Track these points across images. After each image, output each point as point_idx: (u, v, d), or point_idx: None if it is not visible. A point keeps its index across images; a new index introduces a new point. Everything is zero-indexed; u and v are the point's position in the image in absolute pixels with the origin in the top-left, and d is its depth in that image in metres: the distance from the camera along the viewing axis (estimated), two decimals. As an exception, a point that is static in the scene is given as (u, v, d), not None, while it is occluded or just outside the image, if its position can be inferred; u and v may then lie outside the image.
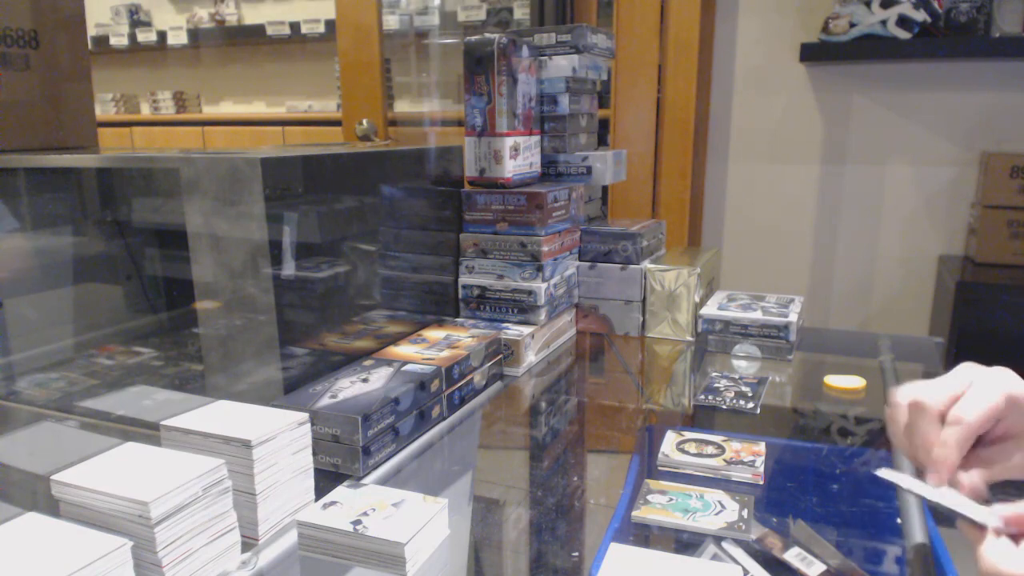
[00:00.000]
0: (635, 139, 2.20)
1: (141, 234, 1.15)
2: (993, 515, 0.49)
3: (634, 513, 0.70)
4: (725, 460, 0.80)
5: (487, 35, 1.11)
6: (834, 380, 1.05)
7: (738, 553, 0.64)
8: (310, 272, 0.91)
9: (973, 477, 0.52)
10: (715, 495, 0.73)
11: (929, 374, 1.19)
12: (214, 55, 3.91)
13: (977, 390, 0.53)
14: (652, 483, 0.76)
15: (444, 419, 0.92)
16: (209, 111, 4.03)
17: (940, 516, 0.70)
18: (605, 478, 0.85)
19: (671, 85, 2.14)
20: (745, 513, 0.69)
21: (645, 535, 0.69)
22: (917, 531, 0.65)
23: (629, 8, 2.14)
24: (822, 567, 0.62)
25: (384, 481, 0.78)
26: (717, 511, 0.70)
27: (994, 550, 0.46)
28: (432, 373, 0.89)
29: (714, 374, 1.08)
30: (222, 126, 3.71)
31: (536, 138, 1.25)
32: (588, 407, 1.05)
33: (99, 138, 1.30)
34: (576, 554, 0.67)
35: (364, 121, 2.37)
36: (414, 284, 1.13)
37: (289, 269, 0.86)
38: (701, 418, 0.97)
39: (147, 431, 0.76)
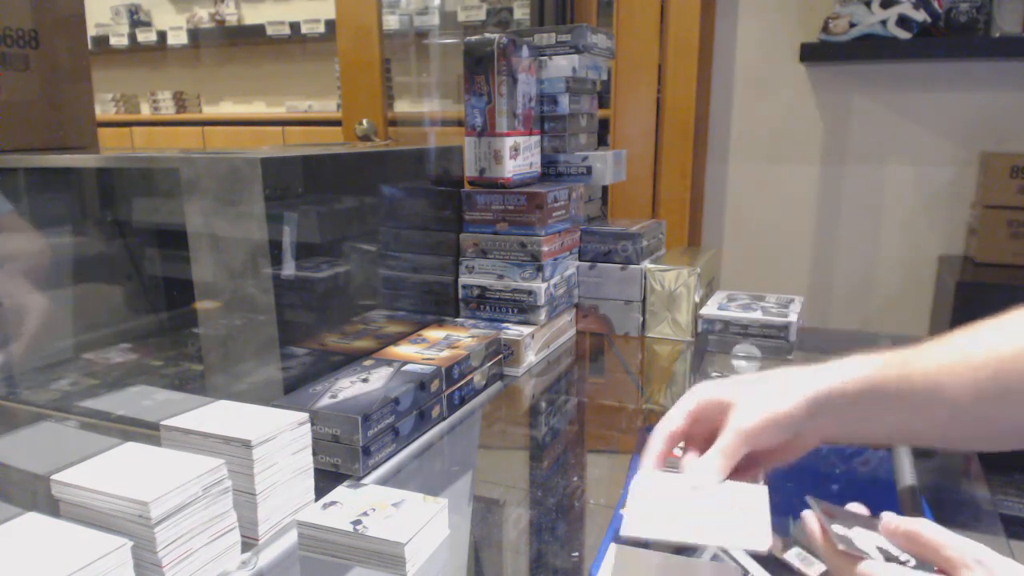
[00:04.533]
0: (635, 139, 2.20)
1: (141, 234, 1.15)
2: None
3: (621, 510, 0.70)
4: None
5: (487, 35, 1.11)
6: (834, 380, 1.05)
7: (738, 553, 0.64)
8: (310, 272, 0.91)
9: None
10: None
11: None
12: (214, 55, 3.91)
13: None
14: None
15: (444, 419, 0.92)
16: (209, 111, 4.03)
17: (940, 516, 0.70)
18: (605, 478, 0.85)
19: (671, 85, 2.14)
20: None
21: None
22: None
23: (629, 8, 2.14)
24: (822, 567, 0.62)
25: (384, 481, 0.78)
26: None
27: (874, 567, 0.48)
28: (432, 373, 0.89)
29: (714, 374, 1.08)
30: (222, 126, 3.71)
31: (536, 138, 1.25)
32: (588, 407, 1.05)
33: (99, 138, 1.30)
34: (576, 554, 0.67)
35: (364, 121, 2.37)
36: (414, 284, 1.13)
37: (289, 269, 0.86)
38: (701, 418, 0.97)
39: (147, 431, 0.76)
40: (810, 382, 0.59)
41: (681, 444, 0.64)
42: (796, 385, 0.59)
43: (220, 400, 0.71)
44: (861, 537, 0.54)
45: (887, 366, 0.58)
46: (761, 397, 0.59)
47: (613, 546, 0.60)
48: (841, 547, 0.52)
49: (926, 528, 0.50)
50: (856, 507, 0.59)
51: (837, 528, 0.55)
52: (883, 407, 0.58)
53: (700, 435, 0.62)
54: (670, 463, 0.66)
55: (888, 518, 0.53)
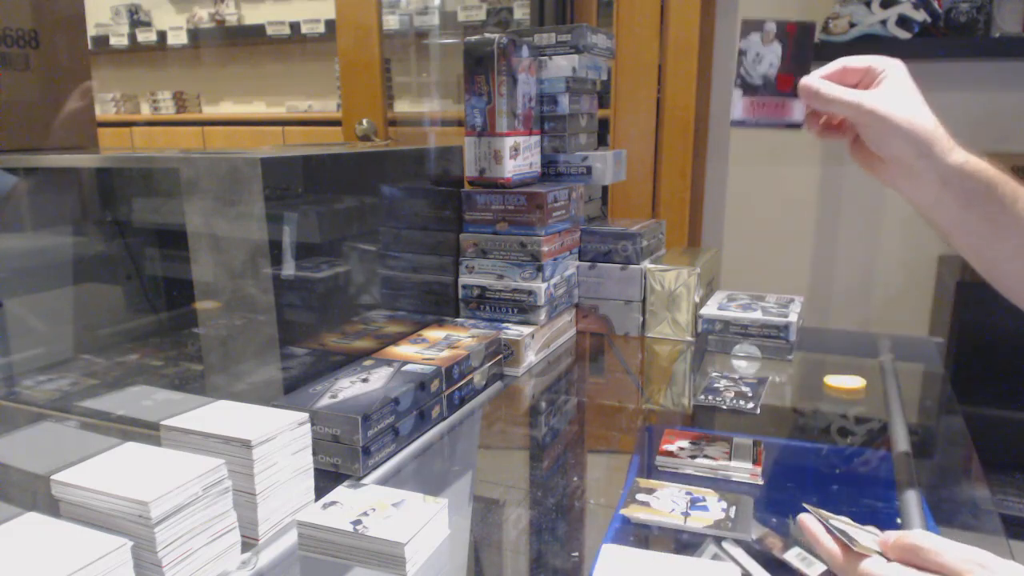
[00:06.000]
0: (635, 139, 2.20)
1: (141, 234, 1.15)
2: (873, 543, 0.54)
3: (623, 511, 0.70)
4: (725, 460, 0.80)
5: (487, 35, 1.11)
6: (834, 380, 1.05)
7: (738, 553, 0.64)
8: (310, 272, 0.91)
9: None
10: (704, 493, 0.73)
11: (929, 374, 1.19)
12: (214, 55, 3.91)
13: None
14: (642, 481, 0.76)
15: (444, 419, 0.92)
16: (209, 111, 4.03)
17: (940, 516, 0.70)
18: (605, 478, 0.85)
19: (671, 85, 2.14)
20: (734, 511, 0.69)
21: (645, 535, 0.69)
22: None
23: (629, 8, 2.14)
24: (822, 567, 0.62)
25: (384, 481, 0.78)
26: (706, 509, 0.70)
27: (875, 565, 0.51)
28: (432, 373, 0.89)
29: (714, 374, 1.08)
30: (222, 126, 3.72)
31: (536, 138, 1.25)
32: (588, 407, 1.05)
33: (99, 138, 1.30)
34: (576, 554, 0.67)
35: (364, 121, 2.37)
36: (414, 284, 1.13)
37: (289, 269, 0.86)
38: (701, 418, 0.97)
39: (147, 431, 0.76)
40: (945, 133, 0.69)
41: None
42: (935, 122, 0.69)
43: (220, 400, 0.71)
44: (861, 536, 0.54)
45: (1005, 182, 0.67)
46: (906, 96, 0.69)
47: (605, 547, 0.60)
48: (843, 540, 0.53)
49: (924, 539, 0.50)
50: (843, 520, 0.60)
51: (836, 523, 0.55)
52: (978, 202, 0.67)
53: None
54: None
55: (886, 534, 0.54)
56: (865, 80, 0.71)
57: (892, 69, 0.70)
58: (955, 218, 0.71)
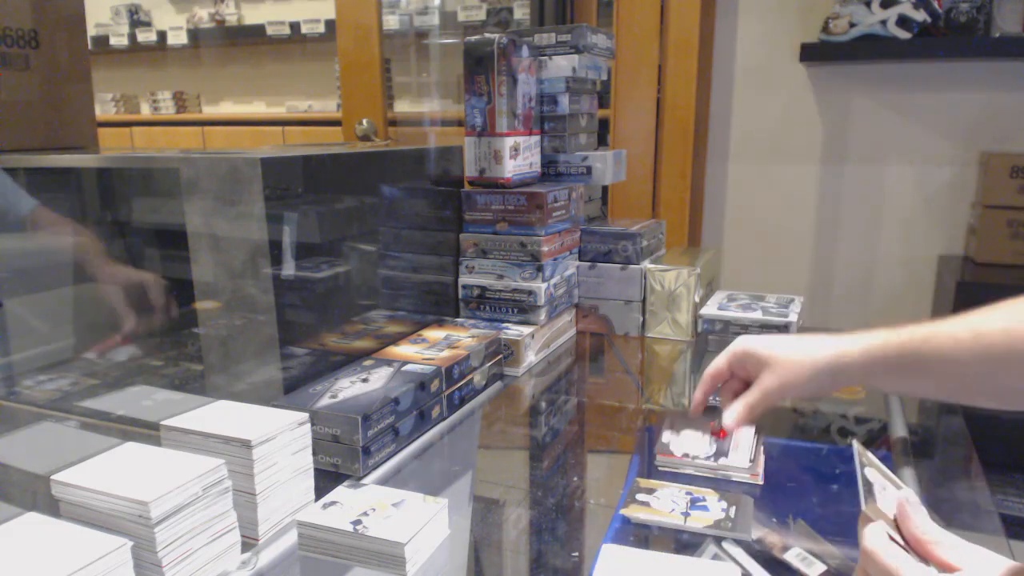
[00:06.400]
0: (635, 139, 2.20)
1: (141, 234, 1.15)
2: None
3: (623, 511, 0.70)
4: (724, 460, 0.80)
5: (487, 35, 1.11)
6: (834, 380, 1.05)
7: (738, 553, 0.64)
8: (310, 272, 0.91)
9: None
10: (704, 493, 0.73)
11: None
12: (214, 55, 3.91)
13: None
14: (642, 481, 0.76)
15: (444, 419, 0.92)
16: (209, 111, 4.03)
17: (940, 516, 0.70)
18: (605, 478, 0.85)
19: (671, 85, 2.14)
20: (734, 511, 0.69)
21: (645, 535, 0.69)
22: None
23: (629, 8, 2.14)
24: (822, 567, 0.62)
25: (384, 481, 0.78)
26: (706, 509, 0.70)
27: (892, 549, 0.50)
28: (432, 373, 0.89)
29: (714, 374, 1.08)
30: (222, 126, 3.71)
31: (536, 138, 1.25)
32: (588, 407, 1.05)
33: (99, 138, 1.30)
34: (576, 554, 0.67)
35: (364, 121, 2.37)
36: (414, 284, 1.13)
37: (289, 269, 0.86)
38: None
39: (147, 431, 0.76)
40: (830, 351, 0.71)
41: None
42: (817, 353, 0.71)
43: (220, 400, 0.71)
44: (887, 493, 0.54)
45: (907, 340, 0.67)
46: (787, 364, 0.73)
47: (606, 547, 0.60)
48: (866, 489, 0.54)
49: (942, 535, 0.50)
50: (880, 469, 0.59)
51: (869, 473, 0.56)
52: (896, 373, 0.69)
53: (738, 378, 0.79)
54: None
55: (905, 500, 0.53)
56: (752, 370, 0.77)
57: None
58: (898, 385, 0.73)
